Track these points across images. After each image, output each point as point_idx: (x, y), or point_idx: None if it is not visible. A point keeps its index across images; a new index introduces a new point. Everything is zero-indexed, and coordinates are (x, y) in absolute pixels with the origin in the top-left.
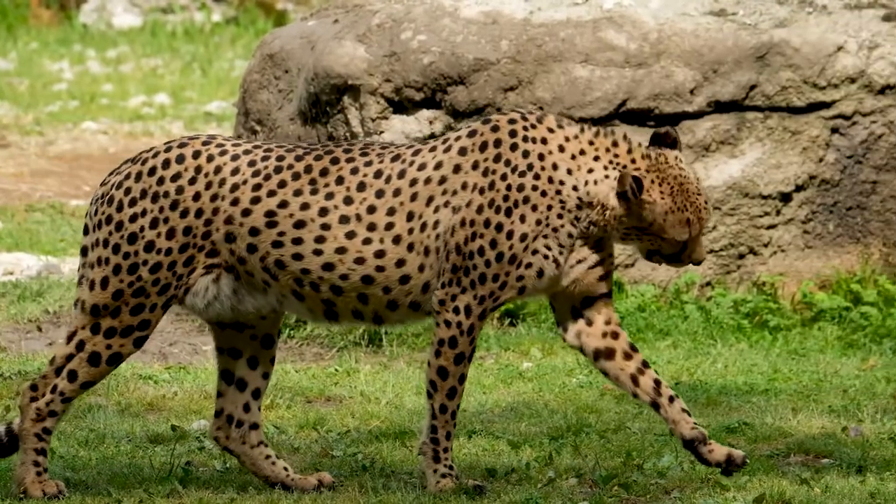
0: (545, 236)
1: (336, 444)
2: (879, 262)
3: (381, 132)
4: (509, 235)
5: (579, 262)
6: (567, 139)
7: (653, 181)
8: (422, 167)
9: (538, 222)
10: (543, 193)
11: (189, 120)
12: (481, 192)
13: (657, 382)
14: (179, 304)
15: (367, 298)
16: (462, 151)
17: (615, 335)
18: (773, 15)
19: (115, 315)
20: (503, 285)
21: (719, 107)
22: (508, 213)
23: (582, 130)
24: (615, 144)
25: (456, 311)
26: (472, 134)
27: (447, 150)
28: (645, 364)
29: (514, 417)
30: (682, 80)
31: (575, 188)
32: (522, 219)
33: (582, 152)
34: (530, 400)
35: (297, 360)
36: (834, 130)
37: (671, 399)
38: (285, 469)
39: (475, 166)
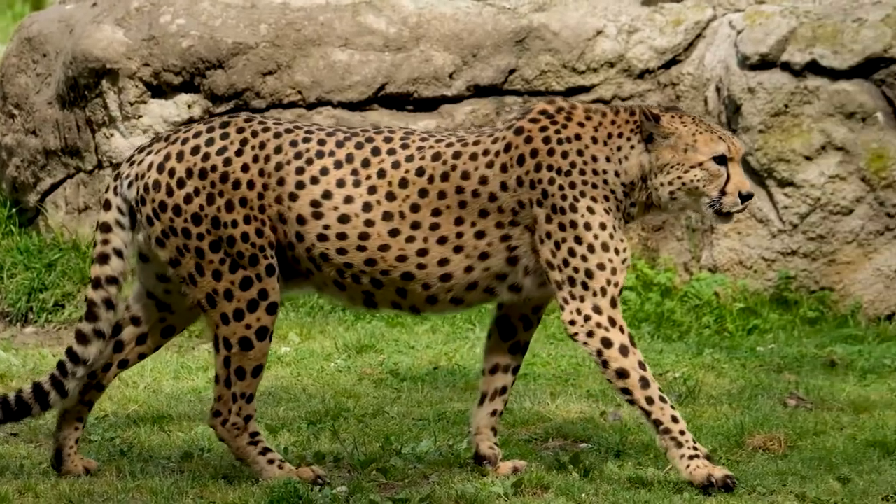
0: (615, 227)
1: (94, 428)
2: (638, 247)
3: (140, 116)
4: (587, 227)
5: None
6: (596, 128)
7: (672, 117)
8: (465, 176)
9: (607, 211)
10: (594, 186)
11: None
12: (539, 204)
13: (503, 390)
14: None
15: (406, 293)
16: (504, 168)
17: (528, 325)
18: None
19: (229, 298)
20: (614, 271)
21: (479, 91)
22: (574, 209)
23: (604, 114)
24: (632, 114)
25: (587, 318)
26: (507, 148)
27: (489, 165)
28: (516, 369)
29: (273, 402)
30: (441, 65)
31: (616, 174)
32: (591, 210)
33: (610, 136)
34: (288, 384)
35: (55, 345)
36: None
37: (494, 412)
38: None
39: (520, 183)
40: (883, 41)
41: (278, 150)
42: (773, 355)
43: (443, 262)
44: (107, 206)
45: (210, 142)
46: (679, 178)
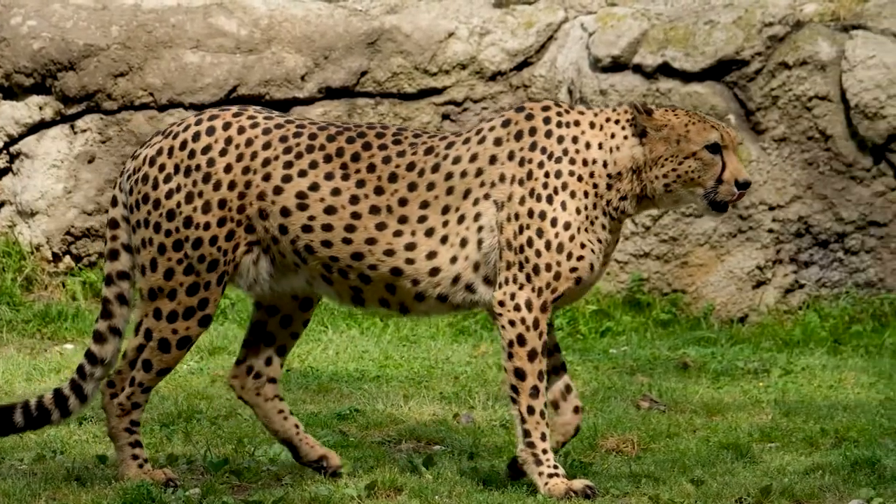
0: (586, 230)
1: None
2: None
3: None
4: (553, 223)
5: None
6: (596, 114)
7: (665, 111)
8: (456, 160)
9: (578, 211)
10: (580, 178)
11: None
12: (520, 183)
13: (567, 388)
14: (232, 283)
15: (395, 289)
16: (497, 142)
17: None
18: (385, 1)
19: (172, 297)
20: (557, 276)
21: (330, 93)
22: (550, 200)
23: (602, 106)
24: (626, 109)
25: (517, 308)
26: (506, 123)
27: (481, 140)
28: (563, 367)
29: None
30: (293, 67)
31: (605, 163)
32: (563, 206)
33: (607, 120)
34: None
35: None
36: (445, 116)
37: (577, 409)
38: (296, 426)
39: (511, 157)
40: (735, 43)
41: (266, 146)
42: (625, 357)
43: (431, 255)
44: (113, 202)
45: (196, 137)
46: (674, 169)
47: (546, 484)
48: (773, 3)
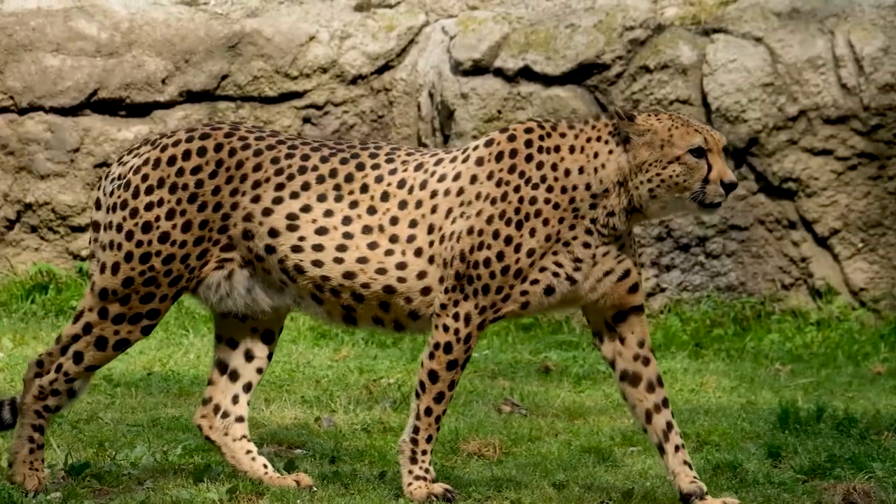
0: (555, 252)
1: None
2: None
3: None
4: (517, 249)
5: (606, 273)
6: (577, 136)
7: (648, 115)
8: (442, 178)
9: (548, 238)
10: (556, 206)
11: None
12: (493, 202)
13: (669, 426)
14: (192, 294)
15: (389, 307)
16: (479, 161)
17: (646, 361)
18: (245, 5)
19: (124, 302)
20: (506, 298)
21: (191, 96)
22: (519, 225)
23: (585, 122)
24: (611, 117)
25: (456, 317)
26: (489, 143)
27: (465, 160)
28: (665, 402)
29: None
30: (153, 70)
31: (588, 186)
32: (532, 233)
33: (588, 140)
34: (2, 389)
35: None
36: (306, 120)
37: (677, 448)
38: (265, 466)
39: (490, 177)
40: (595, 47)
41: (257, 168)
42: (487, 361)
43: (421, 274)
44: (97, 204)
45: (186, 155)
46: (658, 174)
47: (410, 484)
48: (634, 6)
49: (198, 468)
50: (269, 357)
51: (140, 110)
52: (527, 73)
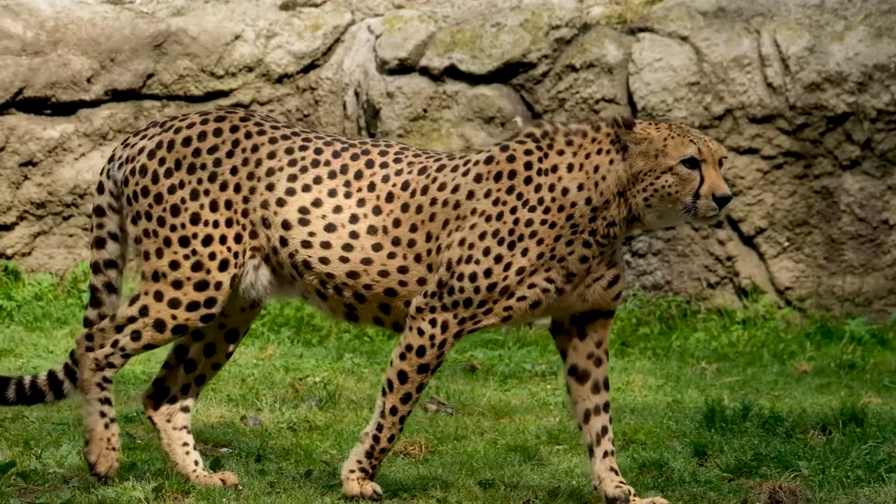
0: (548, 269)
1: None
2: None
3: None
4: (507, 267)
5: (597, 280)
6: (575, 153)
7: (648, 124)
8: (441, 187)
9: (540, 256)
10: (552, 225)
11: None
12: (488, 219)
13: (604, 430)
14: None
15: (390, 309)
16: (477, 178)
17: (598, 362)
18: (171, 4)
19: (177, 286)
20: (488, 311)
21: (117, 95)
22: (511, 246)
23: (584, 135)
24: (607, 133)
25: (433, 323)
26: (489, 161)
27: (465, 174)
28: (605, 406)
29: None
30: (79, 69)
31: (588, 200)
32: (525, 252)
33: (588, 156)
34: None
35: None
36: None
37: (605, 454)
38: (195, 463)
39: (487, 195)
40: (521, 46)
41: (271, 155)
42: None
43: (421, 281)
44: (100, 189)
45: (202, 136)
46: (651, 184)
47: (352, 472)
48: (559, 5)
49: (124, 466)
50: (229, 356)
51: (66, 109)
52: (453, 72)
